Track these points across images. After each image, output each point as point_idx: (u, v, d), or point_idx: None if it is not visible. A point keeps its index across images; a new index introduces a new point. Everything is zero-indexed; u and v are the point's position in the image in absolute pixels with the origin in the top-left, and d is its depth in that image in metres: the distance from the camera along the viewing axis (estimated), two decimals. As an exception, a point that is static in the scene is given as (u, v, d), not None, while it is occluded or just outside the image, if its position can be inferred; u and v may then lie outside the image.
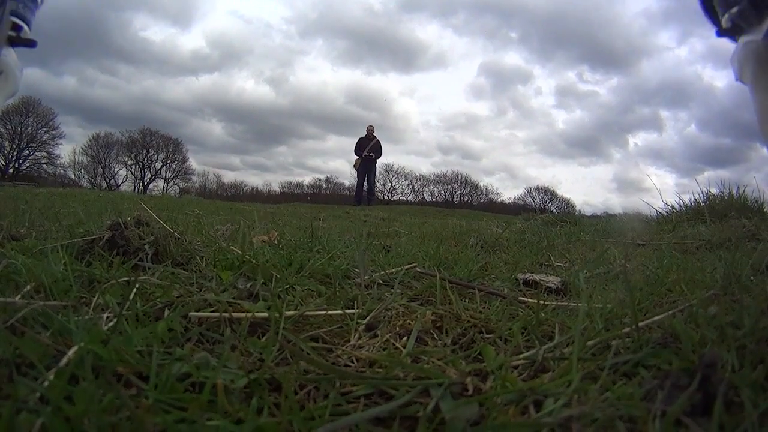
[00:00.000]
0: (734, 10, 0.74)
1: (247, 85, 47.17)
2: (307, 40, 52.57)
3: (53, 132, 27.11)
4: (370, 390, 0.44)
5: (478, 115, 49.92)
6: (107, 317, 0.48)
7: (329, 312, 0.65)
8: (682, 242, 1.66)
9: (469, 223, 4.53)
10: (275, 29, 52.59)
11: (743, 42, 0.75)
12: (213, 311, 0.59)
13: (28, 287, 0.54)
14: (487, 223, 4.16)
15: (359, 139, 10.62)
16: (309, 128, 46.54)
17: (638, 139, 45.78)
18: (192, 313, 0.54)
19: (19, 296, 0.50)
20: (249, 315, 0.56)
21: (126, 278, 0.63)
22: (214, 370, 0.39)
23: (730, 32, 0.77)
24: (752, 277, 0.99)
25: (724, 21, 0.77)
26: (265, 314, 0.57)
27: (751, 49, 0.72)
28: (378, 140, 10.55)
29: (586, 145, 45.52)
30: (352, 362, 0.53)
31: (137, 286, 0.62)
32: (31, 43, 0.72)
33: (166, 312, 0.57)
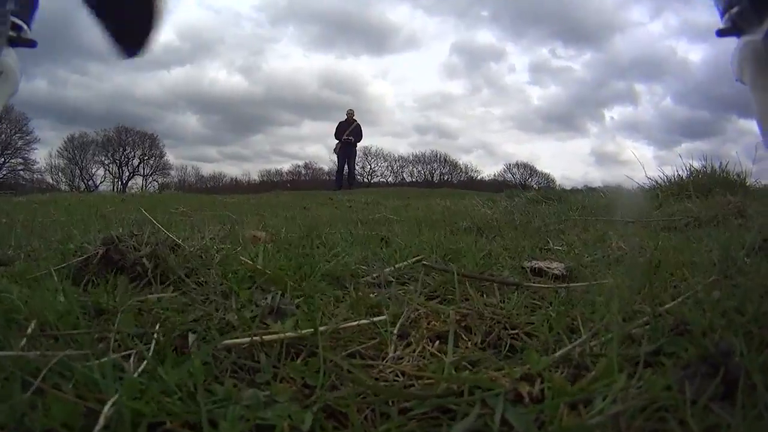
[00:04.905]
0: (734, 10, 0.74)
1: (220, 76, 45.45)
2: (277, 27, 50.72)
3: (27, 137, 25.78)
4: (429, 407, 0.43)
5: (452, 94, 49.52)
6: (133, 361, 0.44)
7: (359, 322, 0.62)
8: (670, 219, 1.70)
9: (453, 202, 4.55)
10: (245, 18, 50.72)
11: (743, 42, 0.75)
12: (239, 334, 0.55)
13: (32, 326, 0.49)
14: (471, 202, 4.18)
15: (339, 123, 10.41)
16: (284, 115, 45.38)
17: (614, 113, 46.37)
18: (222, 342, 0.50)
19: (25, 339, 0.45)
20: (281, 336, 0.53)
21: (137, 306, 0.59)
22: (268, 408, 0.36)
23: (730, 32, 0.78)
24: (746, 259, 1.03)
25: (724, 20, 0.77)
26: (298, 333, 0.54)
27: (751, 49, 0.72)
28: (358, 124, 10.38)
29: (562, 120, 45.97)
30: (398, 377, 0.51)
31: (151, 311, 0.57)
32: (31, 43, 0.72)
33: (190, 336, 0.53)
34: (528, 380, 0.51)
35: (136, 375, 0.39)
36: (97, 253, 0.83)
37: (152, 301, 0.64)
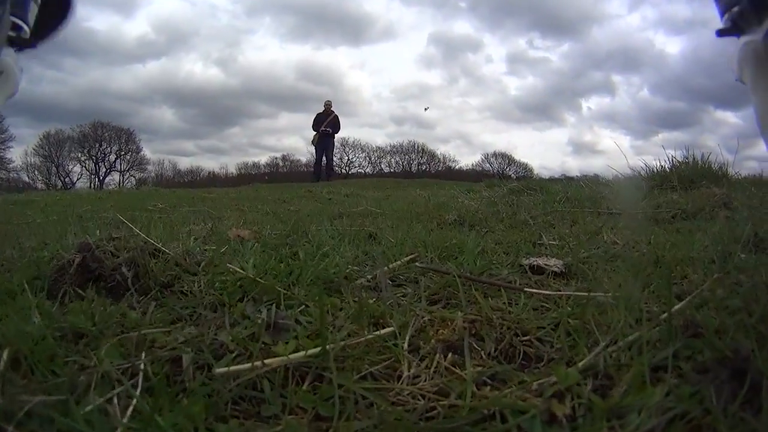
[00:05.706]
0: (734, 10, 0.73)
1: (196, 68, 44.19)
2: (254, 18, 49.63)
3: (2, 136, 24.62)
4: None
5: (429, 85, 49.34)
6: (121, 401, 0.38)
7: (367, 337, 0.58)
8: (657, 211, 1.72)
9: (433, 192, 4.52)
10: (221, 9, 49.54)
11: (743, 42, 0.74)
12: (235, 357, 0.50)
13: (5, 356, 0.42)
14: (451, 192, 4.16)
15: (317, 114, 10.26)
16: (261, 107, 44.40)
17: (591, 104, 47.05)
18: (218, 370, 0.45)
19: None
20: (284, 359, 0.47)
21: (118, 327, 0.52)
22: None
23: (730, 32, 0.77)
24: (742, 255, 1.03)
25: (724, 20, 0.76)
26: (304, 356, 0.49)
27: (750, 49, 0.72)
28: (336, 115, 10.25)
29: (539, 110, 46.39)
30: (418, 400, 0.47)
31: (135, 333, 0.51)
32: (30, 44, 0.71)
33: (184, 360, 0.47)
34: (558, 397, 0.48)
35: (126, 420, 0.34)
36: (73, 261, 0.75)
37: (135, 319, 0.57)
